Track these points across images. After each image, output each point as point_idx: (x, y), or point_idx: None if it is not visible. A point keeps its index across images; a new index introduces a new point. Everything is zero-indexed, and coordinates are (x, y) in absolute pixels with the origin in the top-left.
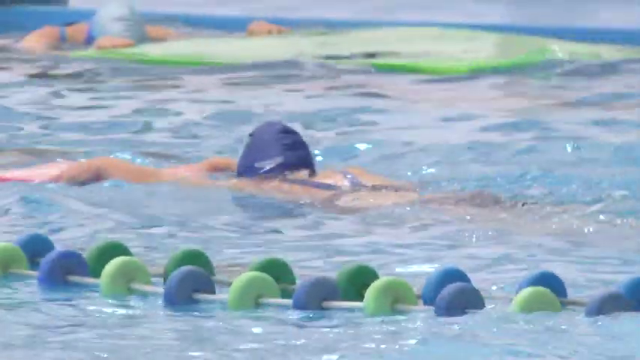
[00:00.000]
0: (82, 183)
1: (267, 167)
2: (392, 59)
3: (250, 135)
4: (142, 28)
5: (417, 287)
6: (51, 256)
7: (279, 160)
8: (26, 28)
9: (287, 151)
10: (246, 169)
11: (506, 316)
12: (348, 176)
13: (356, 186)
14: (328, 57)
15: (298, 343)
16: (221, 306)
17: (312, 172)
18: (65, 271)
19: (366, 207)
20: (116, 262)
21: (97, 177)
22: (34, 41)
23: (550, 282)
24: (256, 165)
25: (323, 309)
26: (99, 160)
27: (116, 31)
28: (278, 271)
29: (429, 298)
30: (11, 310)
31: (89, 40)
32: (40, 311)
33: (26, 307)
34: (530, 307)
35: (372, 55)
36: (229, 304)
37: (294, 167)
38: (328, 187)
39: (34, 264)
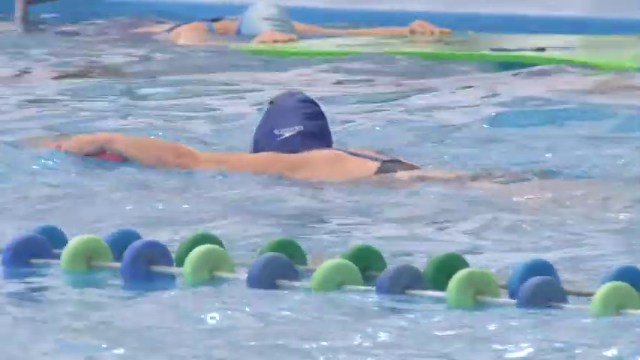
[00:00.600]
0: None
1: (287, 135)
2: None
3: (270, 102)
4: (290, 24)
5: (501, 278)
6: (134, 245)
7: (298, 128)
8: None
9: (307, 120)
10: (264, 136)
11: (586, 311)
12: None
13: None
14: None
15: (379, 329)
16: (304, 292)
17: (329, 145)
18: (149, 262)
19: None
20: (199, 250)
21: (100, 150)
22: (187, 35)
23: (633, 276)
24: (275, 132)
25: (406, 296)
26: (105, 134)
27: (267, 28)
28: (366, 259)
29: (513, 290)
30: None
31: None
32: (127, 306)
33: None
34: (612, 303)
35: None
36: (314, 288)
37: (313, 137)
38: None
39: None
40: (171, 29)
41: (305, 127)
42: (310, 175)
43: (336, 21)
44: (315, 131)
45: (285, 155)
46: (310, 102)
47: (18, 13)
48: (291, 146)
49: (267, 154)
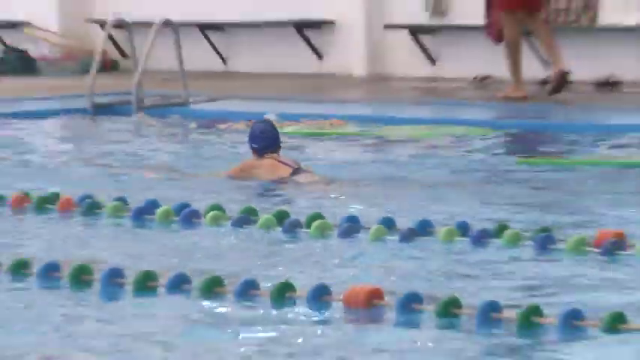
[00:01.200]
0: None
1: (255, 146)
2: None
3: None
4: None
5: None
6: None
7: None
8: None
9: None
10: (250, 146)
11: None
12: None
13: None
14: None
15: None
16: None
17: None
18: None
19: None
20: None
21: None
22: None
23: None
24: (252, 145)
25: None
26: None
27: None
28: None
29: None
30: None
31: None
32: None
33: None
34: None
35: None
36: None
37: (267, 148)
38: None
39: None
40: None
41: (265, 142)
42: (259, 173)
43: None
44: (269, 145)
45: (249, 161)
46: (271, 127)
47: None
48: (258, 153)
49: (242, 162)
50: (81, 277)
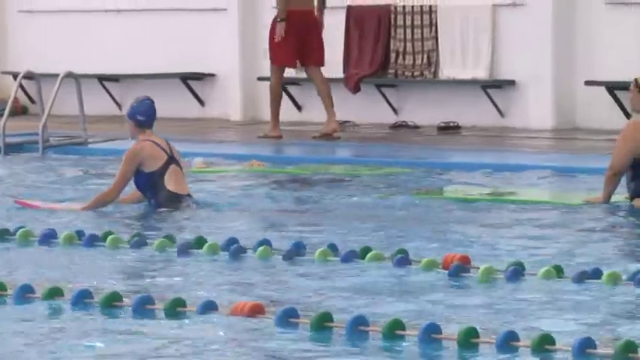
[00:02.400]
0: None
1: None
2: None
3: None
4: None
5: None
6: None
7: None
8: None
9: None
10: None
11: None
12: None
13: None
14: None
15: None
16: None
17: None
18: None
19: None
20: None
21: None
22: None
23: None
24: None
25: None
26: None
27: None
28: None
29: None
30: None
31: None
32: None
33: None
34: None
35: None
36: None
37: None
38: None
39: None
40: None
41: (150, 117)
42: (143, 157)
43: None
44: (151, 121)
45: (133, 148)
46: (153, 105)
47: None
48: (140, 126)
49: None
50: None
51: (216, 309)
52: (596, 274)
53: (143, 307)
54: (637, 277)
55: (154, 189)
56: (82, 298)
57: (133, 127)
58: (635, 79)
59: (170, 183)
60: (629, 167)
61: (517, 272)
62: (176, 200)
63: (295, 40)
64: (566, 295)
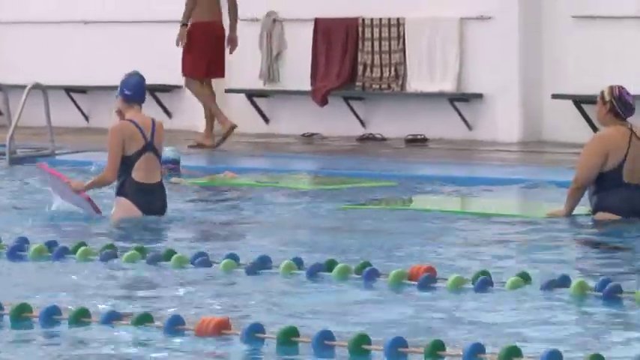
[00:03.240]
0: None
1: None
2: None
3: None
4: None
5: None
6: None
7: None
8: None
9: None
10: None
11: None
12: None
13: None
14: None
15: None
16: None
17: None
18: None
19: None
20: None
21: None
22: None
23: None
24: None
25: None
26: None
27: None
28: None
29: None
30: None
31: None
32: None
33: None
34: None
35: None
36: None
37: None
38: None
39: None
40: None
41: (139, 92)
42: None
43: None
44: (141, 95)
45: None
46: (143, 80)
47: None
48: (128, 101)
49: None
50: None
51: (183, 324)
52: (564, 282)
53: (110, 323)
54: (605, 288)
55: (124, 175)
56: (51, 315)
57: (121, 103)
58: (602, 92)
59: (139, 172)
60: (592, 181)
61: (485, 282)
62: (141, 191)
63: (203, 52)
64: (535, 304)
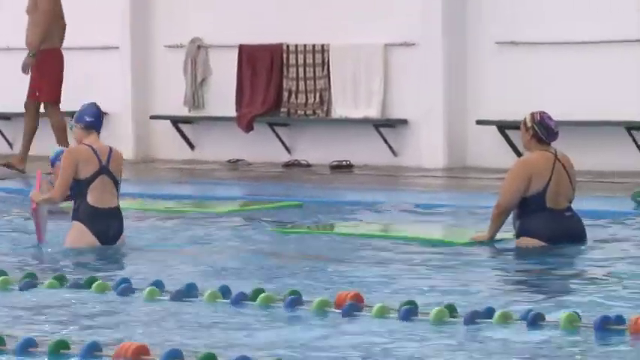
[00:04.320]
0: None
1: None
2: None
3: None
4: None
5: None
6: None
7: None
8: None
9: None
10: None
11: None
12: None
13: None
14: None
15: None
16: None
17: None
18: None
19: None
20: None
21: None
22: None
23: None
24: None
25: None
26: None
27: None
28: None
29: None
30: None
31: None
32: None
33: None
34: None
35: None
36: None
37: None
38: None
39: None
40: None
41: (98, 120)
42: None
43: None
44: (100, 123)
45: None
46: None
47: None
48: (87, 129)
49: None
50: None
51: (100, 350)
52: (488, 313)
53: (26, 351)
54: (528, 317)
55: (79, 198)
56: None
57: (81, 131)
58: (524, 119)
59: (93, 196)
60: (515, 205)
61: (410, 311)
62: (96, 215)
63: (59, 77)
64: (460, 335)
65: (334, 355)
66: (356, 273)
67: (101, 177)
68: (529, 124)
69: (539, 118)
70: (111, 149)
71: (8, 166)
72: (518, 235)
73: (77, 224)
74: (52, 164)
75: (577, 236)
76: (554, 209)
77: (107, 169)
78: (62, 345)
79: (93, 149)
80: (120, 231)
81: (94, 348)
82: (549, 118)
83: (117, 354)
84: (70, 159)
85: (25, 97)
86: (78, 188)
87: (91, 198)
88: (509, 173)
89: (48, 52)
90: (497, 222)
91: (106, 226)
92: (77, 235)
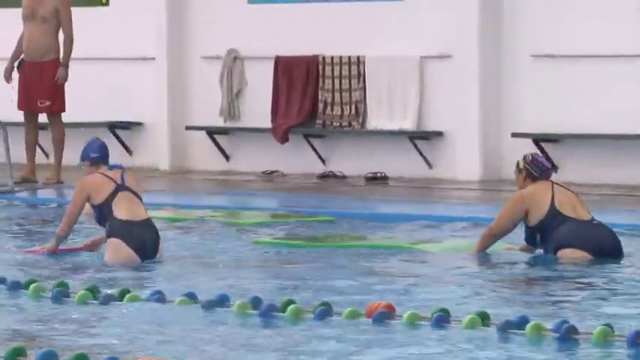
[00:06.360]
0: None
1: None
2: None
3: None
4: None
5: None
6: None
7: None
8: None
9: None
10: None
11: None
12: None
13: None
14: None
15: None
16: None
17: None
18: None
19: None
20: None
21: None
22: None
23: None
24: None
25: None
26: None
27: None
28: None
29: None
30: None
31: None
32: None
33: None
34: None
35: None
36: None
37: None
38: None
39: None
40: None
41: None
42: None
43: None
44: (105, 157)
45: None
46: (105, 144)
47: None
48: (94, 163)
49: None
50: None
51: (56, 357)
52: (522, 323)
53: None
54: (562, 329)
55: (107, 219)
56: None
57: (89, 168)
58: (517, 162)
59: (120, 211)
60: (507, 233)
61: (442, 319)
62: (128, 228)
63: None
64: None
65: None
66: (385, 284)
67: (121, 193)
68: (522, 166)
69: (530, 158)
70: (123, 170)
71: (25, 180)
72: (555, 251)
73: (112, 240)
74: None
75: (612, 245)
76: (577, 219)
77: (124, 186)
78: (19, 352)
79: (105, 174)
80: (157, 242)
81: (49, 356)
82: (541, 157)
83: None
84: (79, 189)
85: (21, 106)
86: (100, 212)
87: (118, 212)
88: (507, 202)
89: (57, 61)
90: (486, 242)
91: (142, 238)
92: (114, 250)
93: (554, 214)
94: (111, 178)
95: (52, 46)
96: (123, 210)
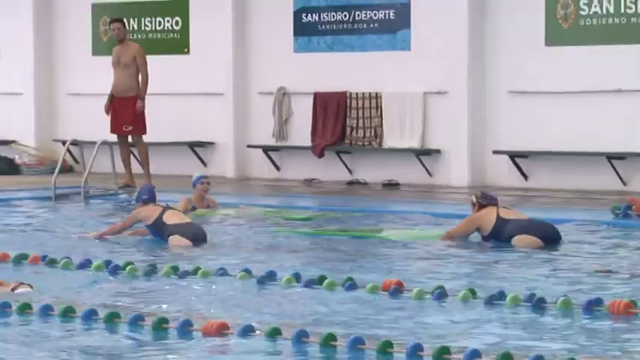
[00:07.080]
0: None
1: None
2: None
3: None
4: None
5: None
6: None
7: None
8: None
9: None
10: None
11: None
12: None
13: None
14: None
15: None
16: None
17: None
18: None
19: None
20: None
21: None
22: None
23: None
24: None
25: None
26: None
27: None
28: None
29: None
30: None
31: None
32: None
33: None
34: None
35: None
36: None
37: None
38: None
39: None
40: None
41: (151, 196)
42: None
43: None
44: (153, 198)
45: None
46: (153, 189)
47: None
48: (145, 203)
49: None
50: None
51: (191, 325)
52: (501, 296)
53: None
54: (533, 299)
55: (161, 231)
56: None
57: (141, 206)
58: (474, 195)
59: (171, 219)
60: (463, 239)
61: (442, 294)
62: (181, 228)
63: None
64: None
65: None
66: (394, 265)
67: (168, 210)
68: (474, 201)
69: (479, 194)
70: (167, 205)
71: (126, 186)
72: (510, 240)
73: (172, 237)
74: (193, 186)
75: (554, 232)
76: (521, 219)
77: (169, 207)
78: (163, 321)
79: (154, 204)
80: (204, 234)
81: (187, 324)
82: (487, 192)
83: (203, 328)
84: (134, 214)
85: (112, 130)
86: (154, 228)
87: (170, 220)
88: (464, 220)
89: (136, 97)
90: (446, 240)
91: (193, 232)
92: (176, 242)
93: (501, 222)
94: (159, 205)
95: (132, 85)
96: (173, 218)
